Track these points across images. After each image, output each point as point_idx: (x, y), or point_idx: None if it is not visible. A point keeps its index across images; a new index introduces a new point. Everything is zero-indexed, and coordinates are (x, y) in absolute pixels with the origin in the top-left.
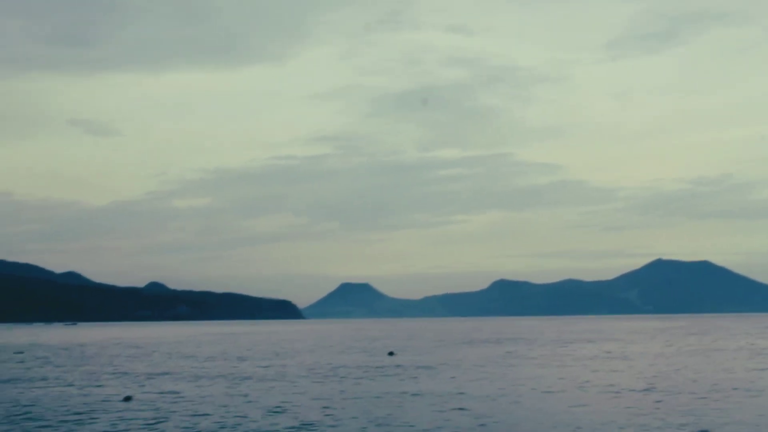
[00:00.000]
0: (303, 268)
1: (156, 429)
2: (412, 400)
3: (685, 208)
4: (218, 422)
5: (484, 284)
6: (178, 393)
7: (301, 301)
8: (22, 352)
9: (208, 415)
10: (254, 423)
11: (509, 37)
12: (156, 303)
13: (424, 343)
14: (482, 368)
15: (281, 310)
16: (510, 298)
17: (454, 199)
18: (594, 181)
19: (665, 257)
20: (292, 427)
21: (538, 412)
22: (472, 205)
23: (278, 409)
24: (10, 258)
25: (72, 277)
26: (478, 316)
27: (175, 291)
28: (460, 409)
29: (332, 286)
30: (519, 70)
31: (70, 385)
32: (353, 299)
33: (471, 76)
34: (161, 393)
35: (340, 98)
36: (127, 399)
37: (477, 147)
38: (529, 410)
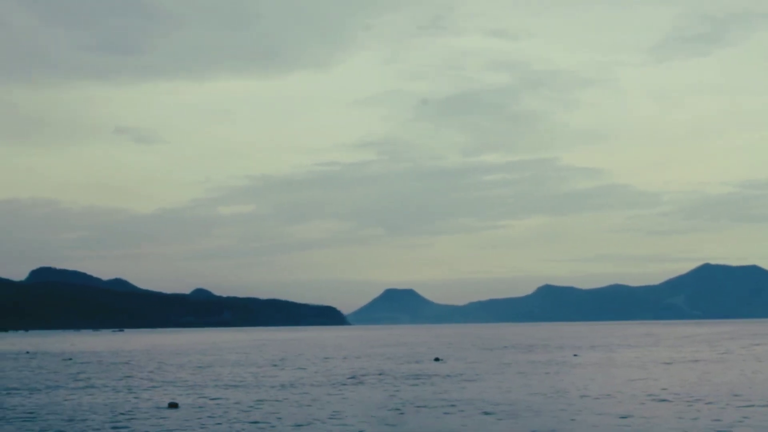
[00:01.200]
0: (347, 274)
1: None
2: (460, 407)
3: (732, 211)
4: (265, 431)
5: (529, 290)
6: (223, 400)
7: (346, 307)
8: (70, 359)
9: (255, 422)
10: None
11: (551, 40)
12: (201, 309)
13: (470, 348)
14: (530, 374)
15: (326, 316)
16: (555, 303)
17: (498, 204)
18: (639, 185)
19: (713, 262)
20: None
21: (588, 420)
22: (516, 210)
23: (328, 416)
24: (58, 265)
25: (119, 284)
26: (524, 322)
27: (220, 297)
28: (511, 416)
29: (377, 292)
30: (562, 74)
31: (117, 391)
32: (398, 305)
33: (513, 81)
34: (207, 400)
35: (383, 104)
36: (173, 405)
37: (520, 152)
38: (579, 417)
